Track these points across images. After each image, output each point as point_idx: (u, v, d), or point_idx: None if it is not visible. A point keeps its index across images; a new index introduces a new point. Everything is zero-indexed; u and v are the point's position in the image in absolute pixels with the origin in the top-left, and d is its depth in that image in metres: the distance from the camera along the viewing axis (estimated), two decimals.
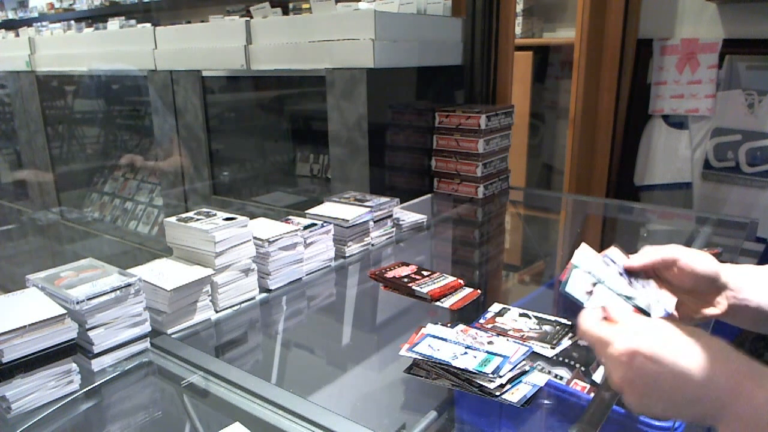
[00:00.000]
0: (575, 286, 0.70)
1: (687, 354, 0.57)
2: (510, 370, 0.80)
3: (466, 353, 0.84)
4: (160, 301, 0.97)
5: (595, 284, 0.71)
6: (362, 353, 1.12)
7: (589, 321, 0.65)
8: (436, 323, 0.94)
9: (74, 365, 0.82)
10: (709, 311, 0.74)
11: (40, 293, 0.86)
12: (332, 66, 1.70)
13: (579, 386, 0.92)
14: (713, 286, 0.73)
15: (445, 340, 0.88)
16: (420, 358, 0.83)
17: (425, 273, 1.23)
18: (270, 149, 2.54)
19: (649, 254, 0.75)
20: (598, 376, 0.92)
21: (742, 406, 0.54)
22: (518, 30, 2.86)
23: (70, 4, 4.78)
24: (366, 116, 1.65)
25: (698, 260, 0.73)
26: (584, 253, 0.75)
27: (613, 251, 0.77)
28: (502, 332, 0.98)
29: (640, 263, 0.75)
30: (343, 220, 1.31)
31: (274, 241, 1.14)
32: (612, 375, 0.61)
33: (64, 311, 0.80)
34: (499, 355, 0.83)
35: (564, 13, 2.87)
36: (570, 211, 2.02)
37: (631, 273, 0.76)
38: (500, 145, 1.88)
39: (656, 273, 0.77)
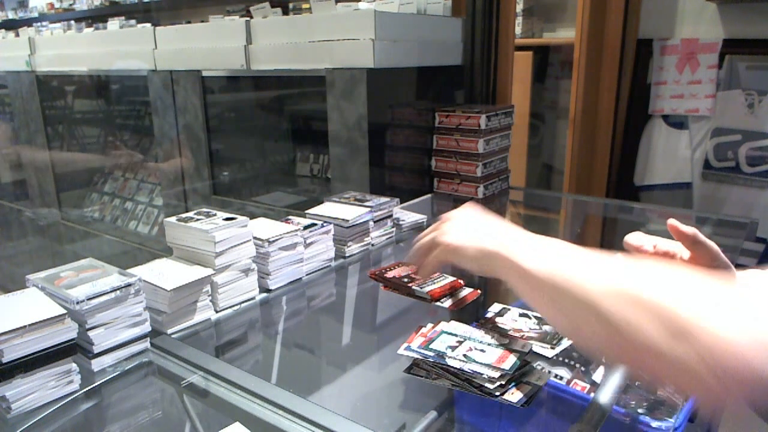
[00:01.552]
0: None
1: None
2: (510, 369, 0.80)
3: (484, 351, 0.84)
4: (160, 301, 0.97)
5: None
6: (362, 353, 1.12)
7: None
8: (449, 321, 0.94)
9: (74, 365, 0.82)
10: None
11: (40, 293, 0.86)
12: (332, 66, 1.70)
13: (579, 386, 0.92)
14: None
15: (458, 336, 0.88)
16: (419, 357, 0.83)
17: None
18: (270, 149, 2.54)
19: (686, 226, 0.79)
20: (598, 376, 0.92)
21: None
22: (518, 30, 2.86)
23: (70, 4, 4.78)
24: (366, 116, 1.65)
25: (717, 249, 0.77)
26: None
27: None
28: (502, 332, 0.98)
29: (683, 230, 0.79)
30: (343, 220, 1.31)
31: (274, 241, 1.14)
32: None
33: (64, 311, 0.80)
34: (517, 351, 0.83)
35: (564, 13, 2.87)
36: (570, 211, 2.02)
37: None
38: (500, 145, 1.88)
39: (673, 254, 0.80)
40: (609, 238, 1.84)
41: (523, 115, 2.76)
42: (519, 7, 2.83)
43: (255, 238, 1.11)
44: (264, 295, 1.15)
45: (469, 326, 0.93)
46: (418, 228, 1.55)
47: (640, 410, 0.79)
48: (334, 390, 0.97)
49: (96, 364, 0.87)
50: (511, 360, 0.81)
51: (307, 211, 1.36)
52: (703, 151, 2.10)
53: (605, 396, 0.72)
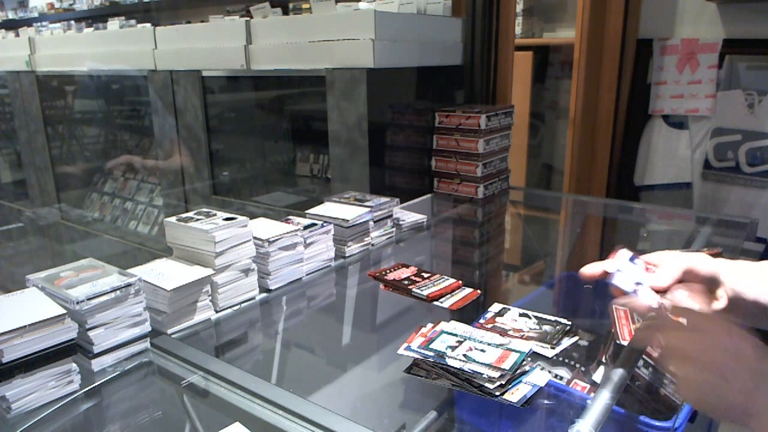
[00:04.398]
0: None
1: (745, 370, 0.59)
2: (516, 361, 0.80)
3: (484, 351, 0.84)
4: (160, 301, 0.97)
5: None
6: (362, 353, 1.12)
7: (671, 332, 0.67)
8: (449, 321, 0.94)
9: (74, 365, 0.82)
10: (713, 305, 0.78)
11: (40, 293, 0.86)
12: (332, 66, 1.70)
13: (579, 386, 0.92)
14: (714, 284, 0.78)
15: (459, 336, 0.88)
16: (418, 357, 0.83)
17: (425, 275, 1.23)
18: (270, 149, 2.54)
19: (671, 272, 0.79)
20: (598, 376, 0.92)
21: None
22: (518, 30, 2.86)
23: (70, 4, 4.78)
24: (366, 116, 1.65)
25: (702, 264, 0.78)
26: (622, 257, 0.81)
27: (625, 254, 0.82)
28: (502, 332, 0.98)
29: (669, 283, 0.79)
30: (343, 220, 1.31)
31: (274, 241, 1.14)
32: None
33: (64, 311, 0.80)
34: (516, 351, 0.83)
35: (564, 13, 2.87)
36: (570, 211, 2.02)
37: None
38: (500, 145, 1.88)
39: None
40: (609, 238, 1.84)
41: (523, 115, 2.76)
42: (519, 7, 2.83)
43: (255, 238, 1.11)
44: (264, 295, 1.15)
45: (469, 326, 0.93)
46: (418, 228, 1.55)
47: (640, 410, 0.79)
48: (334, 390, 0.97)
49: (96, 364, 0.87)
50: (511, 360, 0.81)
51: (307, 211, 1.36)
52: (703, 151, 2.10)
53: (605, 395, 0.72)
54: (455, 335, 0.89)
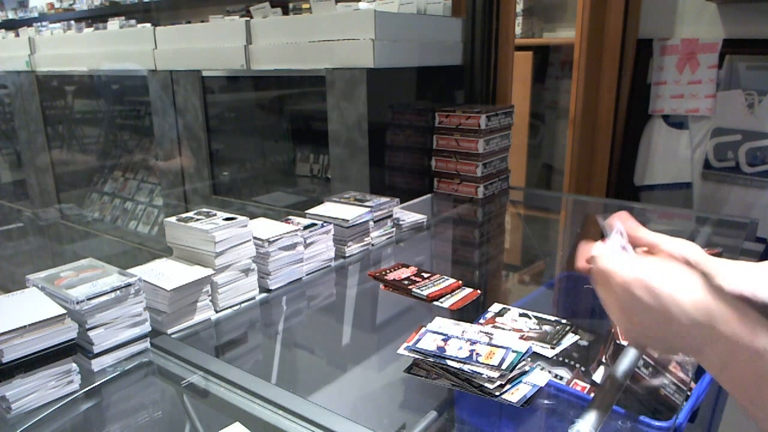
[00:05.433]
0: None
1: (681, 289, 0.59)
2: (512, 361, 0.80)
3: (473, 349, 0.84)
4: (160, 301, 0.97)
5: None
6: (362, 353, 1.12)
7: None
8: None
9: (74, 365, 0.82)
10: None
11: (40, 293, 0.86)
12: (332, 66, 1.70)
13: (579, 386, 0.92)
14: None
15: (446, 335, 0.88)
16: (419, 357, 0.83)
17: (425, 275, 1.23)
18: (270, 149, 2.54)
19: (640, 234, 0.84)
20: (598, 376, 0.92)
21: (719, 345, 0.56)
22: (518, 30, 2.86)
23: (70, 4, 4.78)
24: (366, 116, 1.65)
25: (677, 246, 0.81)
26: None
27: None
28: (502, 332, 0.97)
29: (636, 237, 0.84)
30: (343, 220, 1.31)
31: (274, 241, 1.14)
32: (611, 304, 0.65)
33: (64, 311, 0.80)
34: (502, 347, 0.83)
35: (564, 13, 2.87)
36: (570, 211, 2.02)
37: None
38: (500, 145, 1.88)
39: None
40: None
41: (523, 115, 2.76)
42: (519, 7, 2.83)
43: (255, 238, 1.12)
44: (264, 295, 1.15)
45: (467, 325, 0.93)
46: (418, 228, 1.55)
47: (640, 410, 0.79)
48: (334, 390, 0.97)
49: (96, 364, 0.87)
50: (509, 359, 0.81)
51: (307, 211, 1.36)
52: (703, 151, 2.10)
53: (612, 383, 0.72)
54: (454, 335, 0.89)
